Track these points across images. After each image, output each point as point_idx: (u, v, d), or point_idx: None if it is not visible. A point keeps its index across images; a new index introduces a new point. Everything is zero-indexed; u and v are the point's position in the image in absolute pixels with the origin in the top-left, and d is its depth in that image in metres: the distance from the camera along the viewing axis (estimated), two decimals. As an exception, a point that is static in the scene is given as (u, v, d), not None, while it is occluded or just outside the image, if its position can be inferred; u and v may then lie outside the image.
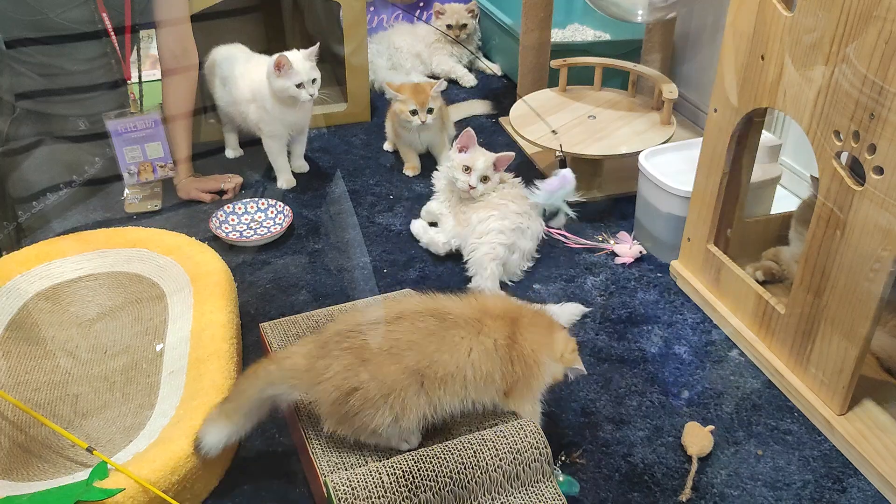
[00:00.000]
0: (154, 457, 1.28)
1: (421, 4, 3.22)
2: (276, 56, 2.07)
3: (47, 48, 2.05)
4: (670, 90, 2.22)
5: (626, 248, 1.99)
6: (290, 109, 2.16)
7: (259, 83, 2.16)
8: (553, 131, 1.98)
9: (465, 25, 3.02)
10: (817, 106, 1.38)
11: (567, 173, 1.90)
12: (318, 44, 2.13)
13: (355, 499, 1.14)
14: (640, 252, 1.99)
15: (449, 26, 3.00)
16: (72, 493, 1.21)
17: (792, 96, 1.44)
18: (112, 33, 2.06)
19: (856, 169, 1.33)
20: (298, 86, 2.08)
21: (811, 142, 1.41)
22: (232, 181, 2.25)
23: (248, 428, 1.29)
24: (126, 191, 2.17)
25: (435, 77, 3.00)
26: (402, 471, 1.18)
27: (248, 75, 2.21)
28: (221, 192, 2.23)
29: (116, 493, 1.20)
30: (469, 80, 2.98)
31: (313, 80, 2.11)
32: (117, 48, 2.10)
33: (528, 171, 2.39)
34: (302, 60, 2.09)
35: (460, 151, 1.95)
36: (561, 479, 1.34)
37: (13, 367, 1.55)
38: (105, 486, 1.22)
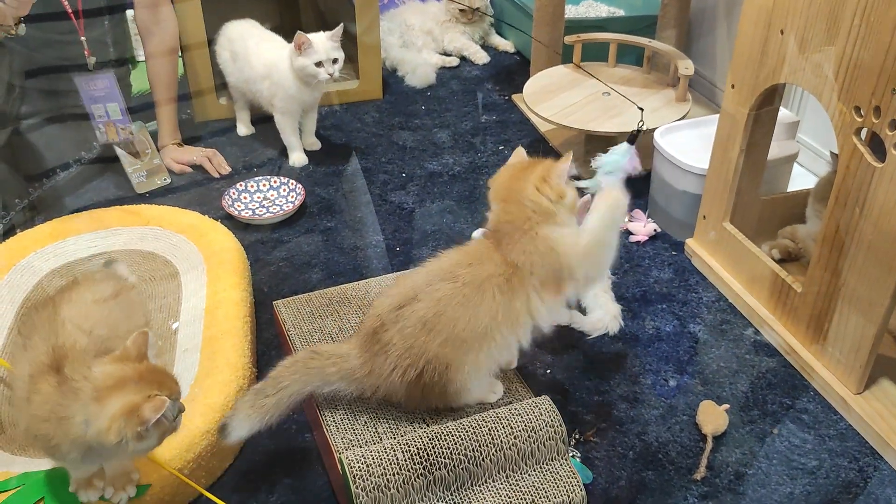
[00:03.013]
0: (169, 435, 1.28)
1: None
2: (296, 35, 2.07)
3: (55, 24, 2.04)
4: (686, 66, 2.19)
5: (640, 226, 1.98)
6: (306, 87, 2.16)
7: (274, 59, 2.16)
8: (640, 108, 1.75)
9: (477, 8, 3.01)
10: (837, 81, 1.36)
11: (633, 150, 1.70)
12: (342, 24, 2.12)
13: (370, 476, 1.14)
14: (655, 230, 1.98)
15: (462, 10, 2.99)
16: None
17: (811, 71, 1.42)
18: (67, 11, 2.05)
19: (876, 145, 1.31)
20: (317, 64, 2.08)
21: (831, 118, 1.39)
22: (214, 159, 2.25)
23: (275, 421, 1.23)
24: (128, 172, 2.15)
25: (447, 54, 2.98)
26: (417, 448, 1.18)
27: (262, 52, 2.20)
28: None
29: (143, 492, 1.21)
30: (481, 57, 2.96)
31: (334, 60, 2.10)
32: (72, 17, 2.07)
33: (541, 148, 2.38)
34: (323, 40, 2.08)
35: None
36: (577, 460, 1.34)
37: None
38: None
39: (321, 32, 2.11)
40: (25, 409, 1.07)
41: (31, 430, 1.07)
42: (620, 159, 1.43)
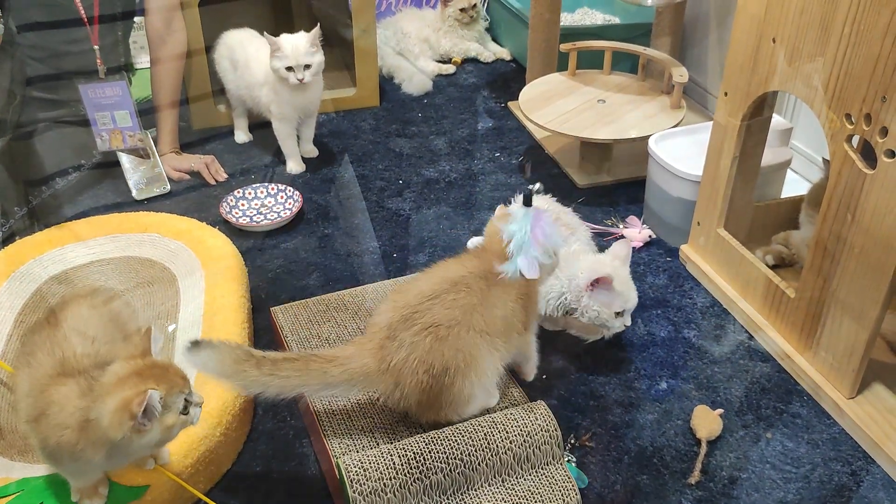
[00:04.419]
0: (167, 439, 1.29)
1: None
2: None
3: (56, 32, 2.06)
4: (680, 74, 2.21)
5: (635, 233, 1.99)
6: (298, 91, 2.17)
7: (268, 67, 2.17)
8: (523, 161, 1.49)
9: (475, 5, 3.04)
10: (829, 89, 1.37)
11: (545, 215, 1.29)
12: (319, 25, 2.12)
13: (367, 480, 1.15)
14: (650, 236, 1.99)
15: (462, 10, 3.01)
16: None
17: (803, 79, 1.43)
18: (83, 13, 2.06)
19: (867, 152, 1.33)
20: (288, 69, 2.08)
21: (822, 125, 1.40)
22: (212, 166, 2.26)
23: (237, 387, 1.24)
24: (129, 179, 2.17)
25: (444, 61, 3.00)
26: (413, 452, 1.19)
27: (261, 59, 2.21)
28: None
29: (142, 493, 1.22)
30: (487, 56, 3.00)
31: (306, 66, 2.09)
32: (87, 25, 2.08)
33: (536, 155, 2.39)
34: (295, 45, 2.07)
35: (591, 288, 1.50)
36: (573, 464, 1.35)
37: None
38: (123, 473, 1.23)
39: (301, 34, 2.11)
40: (38, 424, 1.08)
41: (49, 441, 1.08)
42: (522, 230, 1.24)
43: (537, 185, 1.26)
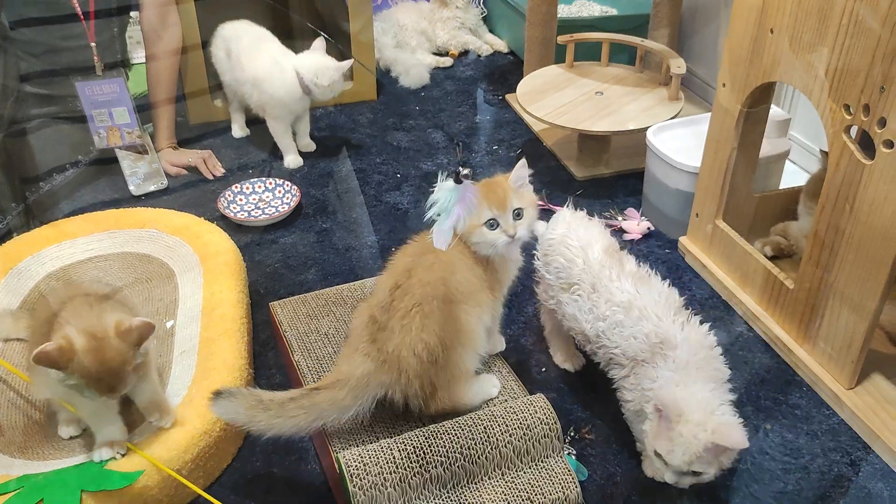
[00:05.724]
0: (167, 436, 1.29)
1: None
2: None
3: (50, 28, 2.05)
4: (678, 65, 2.20)
5: (634, 225, 1.99)
6: (299, 100, 2.18)
7: (263, 73, 2.16)
8: (457, 143, 1.41)
9: None
10: (827, 80, 1.37)
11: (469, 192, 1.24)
12: (322, 38, 2.18)
13: (367, 475, 1.15)
14: (648, 228, 1.99)
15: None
16: (88, 473, 1.22)
17: (801, 70, 1.43)
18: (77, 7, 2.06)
19: (865, 143, 1.33)
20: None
21: (821, 116, 1.40)
22: (209, 161, 2.26)
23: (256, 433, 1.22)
24: (127, 175, 2.16)
25: (442, 54, 2.99)
26: (413, 447, 1.19)
27: (252, 57, 2.20)
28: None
29: (137, 477, 1.22)
30: (484, 48, 2.99)
31: None
32: (83, 21, 2.08)
33: (535, 148, 2.38)
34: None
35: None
36: (573, 457, 1.35)
37: (27, 347, 1.56)
38: (120, 467, 1.23)
39: (325, 58, 2.17)
40: None
41: None
42: (449, 199, 1.24)
43: (466, 170, 1.24)
